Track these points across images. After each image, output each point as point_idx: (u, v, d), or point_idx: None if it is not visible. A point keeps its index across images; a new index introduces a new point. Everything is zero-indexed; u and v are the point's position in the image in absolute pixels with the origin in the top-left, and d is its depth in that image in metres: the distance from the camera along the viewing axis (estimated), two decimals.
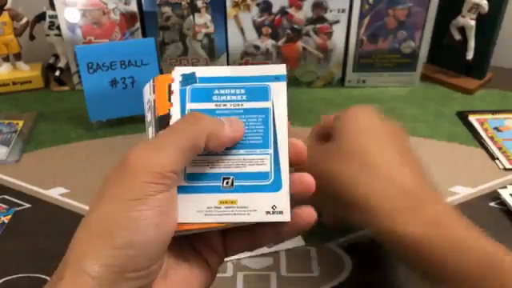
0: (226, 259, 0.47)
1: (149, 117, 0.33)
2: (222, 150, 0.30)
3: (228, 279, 0.45)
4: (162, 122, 0.31)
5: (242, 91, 0.32)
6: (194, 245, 0.33)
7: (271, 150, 0.31)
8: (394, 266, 0.46)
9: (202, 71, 0.32)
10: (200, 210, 0.29)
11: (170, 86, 0.32)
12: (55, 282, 0.26)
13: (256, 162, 0.30)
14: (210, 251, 0.33)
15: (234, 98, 0.31)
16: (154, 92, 0.32)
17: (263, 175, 0.30)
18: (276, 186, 0.30)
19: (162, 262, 0.28)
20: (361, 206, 0.38)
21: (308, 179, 0.30)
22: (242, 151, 0.30)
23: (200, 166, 0.30)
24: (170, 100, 0.31)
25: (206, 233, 0.31)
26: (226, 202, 0.29)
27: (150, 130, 0.32)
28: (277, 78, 0.32)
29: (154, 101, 0.32)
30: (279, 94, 0.32)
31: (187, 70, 0.32)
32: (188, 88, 0.32)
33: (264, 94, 0.32)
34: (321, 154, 0.41)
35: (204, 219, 0.29)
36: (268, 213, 0.29)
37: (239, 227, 0.31)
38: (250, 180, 0.30)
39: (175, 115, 0.31)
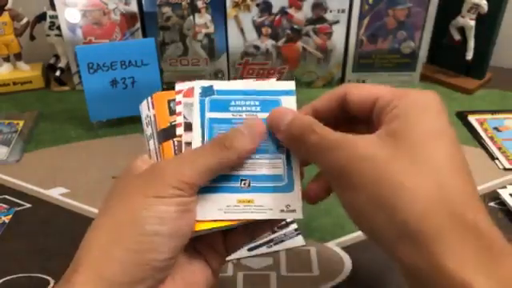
0: (226, 258, 0.47)
1: (149, 130, 0.35)
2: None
3: (228, 279, 0.45)
4: (166, 134, 0.34)
5: (257, 103, 0.35)
6: (196, 246, 0.34)
7: (284, 155, 0.34)
8: (393, 266, 0.46)
9: (219, 85, 0.35)
10: (220, 208, 0.32)
11: (169, 102, 0.35)
12: (76, 266, 0.28)
13: (271, 165, 0.33)
14: (211, 251, 0.34)
15: (249, 108, 0.35)
16: (153, 108, 0.35)
17: (277, 177, 0.33)
18: (289, 187, 0.33)
19: (176, 260, 0.30)
20: (418, 237, 0.26)
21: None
22: (257, 156, 0.33)
23: None
24: (171, 114, 0.35)
25: (208, 234, 0.33)
26: (244, 201, 0.32)
27: (152, 143, 0.35)
28: (287, 93, 0.35)
29: (154, 116, 0.35)
30: (289, 106, 0.35)
31: (206, 83, 0.35)
32: (207, 99, 0.35)
33: (276, 106, 0.34)
34: (363, 150, 0.28)
35: (224, 216, 0.32)
36: (282, 211, 0.33)
37: (243, 225, 0.34)
38: (265, 182, 0.33)
39: (195, 123, 0.34)
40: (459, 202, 0.26)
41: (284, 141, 0.33)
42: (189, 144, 0.34)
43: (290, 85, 0.36)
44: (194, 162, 0.30)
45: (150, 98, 0.35)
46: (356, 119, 0.33)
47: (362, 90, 0.32)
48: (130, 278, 0.27)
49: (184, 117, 0.34)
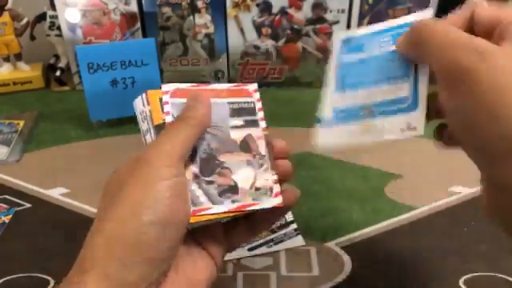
0: (226, 258, 0.47)
1: (145, 126, 0.35)
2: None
3: (228, 279, 0.45)
4: (160, 129, 0.34)
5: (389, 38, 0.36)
6: (198, 239, 0.34)
7: (411, 76, 0.34)
8: (393, 266, 0.46)
9: (355, 33, 0.38)
10: (341, 136, 0.36)
11: (161, 100, 0.35)
12: (82, 266, 0.28)
13: (396, 89, 0.34)
14: (212, 242, 0.34)
15: (382, 45, 0.36)
16: (148, 104, 0.35)
17: (401, 100, 0.34)
18: (413, 106, 0.33)
19: (177, 251, 0.30)
20: None
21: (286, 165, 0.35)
22: (382, 85, 0.35)
23: (347, 101, 0.37)
24: (162, 111, 0.35)
25: (208, 225, 0.34)
26: (365, 127, 0.35)
27: (148, 137, 0.35)
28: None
29: (150, 111, 0.35)
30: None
31: (343, 34, 0.38)
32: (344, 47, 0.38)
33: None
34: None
35: (345, 140, 0.36)
36: (403, 130, 0.33)
37: (244, 221, 0.35)
38: (388, 106, 0.34)
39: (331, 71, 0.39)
40: None
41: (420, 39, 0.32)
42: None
43: (425, 14, 0.36)
44: (171, 137, 0.31)
45: (144, 95, 0.36)
46: None
47: (487, 9, 0.32)
48: (136, 274, 0.27)
49: (173, 116, 0.34)
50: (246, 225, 0.36)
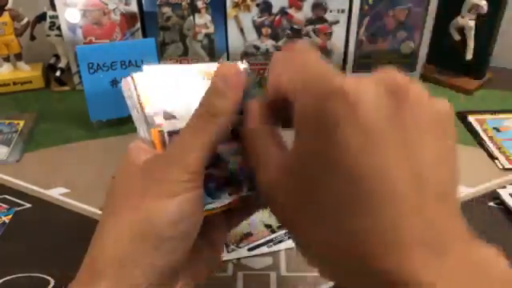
0: (225, 259, 0.47)
1: (136, 114, 0.33)
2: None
3: (228, 279, 0.45)
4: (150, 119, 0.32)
5: None
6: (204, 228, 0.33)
7: None
8: None
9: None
10: None
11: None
12: (92, 273, 0.27)
13: None
14: (211, 226, 0.33)
15: None
16: (135, 88, 0.32)
17: None
18: None
19: (186, 254, 0.29)
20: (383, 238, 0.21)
21: None
22: None
23: None
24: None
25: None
26: None
27: (142, 129, 0.32)
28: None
29: (138, 96, 0.32)
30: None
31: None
32: None
33: None
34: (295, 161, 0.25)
35: None
36: None
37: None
38: None
39: None
40: None
41: None
42: (173, 133, 0.31)
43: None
44: (193, 145, 0.28)
45: (130, 78, 0.32)
46: None
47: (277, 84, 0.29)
48: (152, 281, 0.27)
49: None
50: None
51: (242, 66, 0.32)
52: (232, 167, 0.32)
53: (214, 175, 0.31)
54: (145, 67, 0.32)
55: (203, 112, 0.28)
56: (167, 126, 0.31)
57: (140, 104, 0.32)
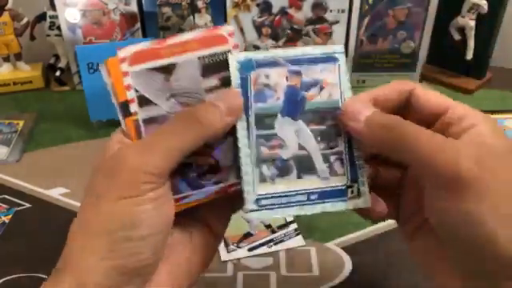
0: (225, 259, 0.47)
1: (115, 103, 0.31)
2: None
3: (228, 279, 0.45)
4: (125, 109, 0.30)
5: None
6: (196, 214, 0.32)
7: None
8: (393, 266, 0.46)
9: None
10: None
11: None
12: (56, 277, 0.27)
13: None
14: (213, 215, 0.33)
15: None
16: (109, 76, 0.30)
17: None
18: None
19: (164, 249, 0.29)
20: None
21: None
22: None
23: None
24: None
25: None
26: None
27: (120, 118, 0.31)
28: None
29: (113, 85, 0.30)
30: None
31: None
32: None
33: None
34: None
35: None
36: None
37: None
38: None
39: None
40: None
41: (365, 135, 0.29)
42: (148, 122, 0.30)
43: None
44: (159, 146, 0.27)
45: (104, 65, 0.30)
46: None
47: (432, 94, 0.30)
48: (115, 281, 0.26)
49: (135, 90, 0.29)
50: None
51: (228, 28, 0.30)
52: (216, 153, 0.30)
53: (196, 163, 0.30)
54: (118, 51, 0.30)
55: (192, 117, 0.28)
56: (142, 113, 0.30)
57: (114, 91, 0.30)
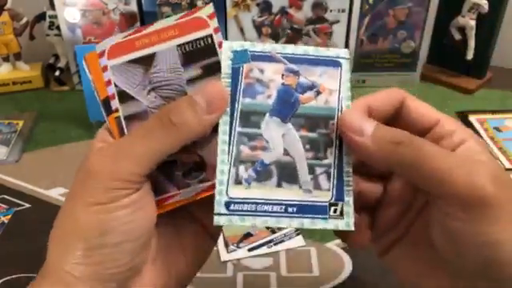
0: (225, 259, 0.47)
1: (98, 100, 0.29)
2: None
3: (228, 279, 0.45)
4: (106, 106, 0.28)
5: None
6: (192, 213, 0.31)
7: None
8: None
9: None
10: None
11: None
12: (39, 283, 0.26)
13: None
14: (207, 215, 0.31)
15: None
16: (90, 72, 0.28)
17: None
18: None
19: (148, 252, 0.28)
20: None
21: None
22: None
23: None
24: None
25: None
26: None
27: (104, 116, 0.29)
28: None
29: (93, 81, 0.28)
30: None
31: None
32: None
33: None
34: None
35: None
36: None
37: None
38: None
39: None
40: None
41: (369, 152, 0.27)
42: (130, 118, 0.28)
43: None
44: (132, 150, 0.25)
45: (84, 61, 0.29)
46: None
47: (423, 106, 0.30)
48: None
49: (115, 85, 0.28)
50: None
51: (208, 9, 0.29)
52: (201, 150, 0.29)
53: (181, 161, 0.29)
54: (97, 46, 0.28)
55: (166, 119, 0.26)
56: (124, 110, 0.28)
57: (95, 88, 0.29)
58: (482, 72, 0.80)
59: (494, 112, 0.72)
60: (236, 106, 0.28)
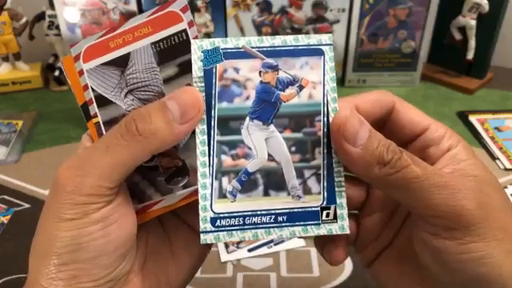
0: (225, 259, 0.47)
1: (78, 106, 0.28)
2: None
3: (228, 279, 0.45)
4: (85, 111, 0.27)
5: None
6: (182, 217, 0.31)
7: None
8: None
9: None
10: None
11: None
12: None
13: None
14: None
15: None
16: (68, 77, 0.27)
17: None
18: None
19: (131, 261, 0.28)
20: None
21: None
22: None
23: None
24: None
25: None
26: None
27: (86, 122, 0.29)
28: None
29: (72, 86, 0.27)
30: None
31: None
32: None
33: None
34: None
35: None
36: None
37: None
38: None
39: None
40: None
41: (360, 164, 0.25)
42: (110, 123, 0.27)
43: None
44: (96, 163, 0.24)
45: (61, 64, 0.28)
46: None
47: (413, 111, 0.29)
48: None
49: (92, 89, 0.26)
50: None
51: (180, 2, 0.27)
52: (181, 153, 0.27)
53: (161, 166, 0.27)
54: (72, 48, 0.27)
55: (133, 128, 0.24)
56: (103, 115, 0.27)
57: (74, 93, 0.27)
58: (482, 72, 0.79)
59: (494, 112, 0.72)
60: (212, 112, 0.26)
